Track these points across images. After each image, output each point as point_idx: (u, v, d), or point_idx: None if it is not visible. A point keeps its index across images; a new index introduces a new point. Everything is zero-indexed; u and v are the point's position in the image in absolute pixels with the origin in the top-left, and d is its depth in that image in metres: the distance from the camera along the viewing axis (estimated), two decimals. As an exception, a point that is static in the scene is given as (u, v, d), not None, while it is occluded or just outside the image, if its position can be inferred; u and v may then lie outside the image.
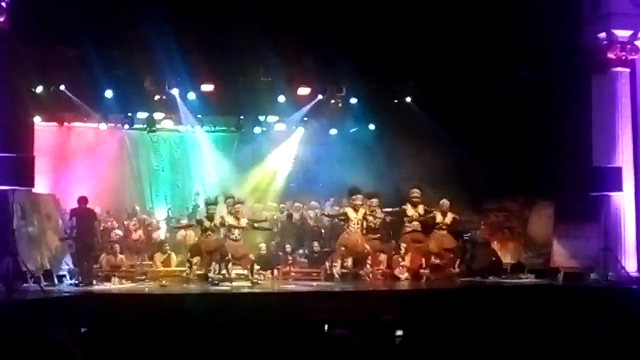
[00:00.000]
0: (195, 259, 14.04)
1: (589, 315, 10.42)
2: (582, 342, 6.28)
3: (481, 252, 15.50)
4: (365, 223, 14.54)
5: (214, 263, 13.98)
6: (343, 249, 14.44)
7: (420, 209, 14.86)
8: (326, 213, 16.43)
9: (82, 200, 13.89)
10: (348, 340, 4.47)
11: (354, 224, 14.42)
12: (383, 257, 14.98)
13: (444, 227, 14.78)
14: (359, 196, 14.59)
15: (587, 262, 13.98)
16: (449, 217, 14.81)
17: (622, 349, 6.00)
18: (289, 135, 19.19)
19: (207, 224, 14.04)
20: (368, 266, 14.54)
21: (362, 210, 14.49)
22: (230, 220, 14.05)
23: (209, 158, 19.05)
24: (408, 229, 14.86)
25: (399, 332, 7.49)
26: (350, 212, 14.51)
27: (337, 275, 14.23)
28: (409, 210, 14.82)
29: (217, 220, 14.05)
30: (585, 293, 12.49)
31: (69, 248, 14.29)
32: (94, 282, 13.49)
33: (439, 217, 14.77)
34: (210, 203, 14.65)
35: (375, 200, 14.84)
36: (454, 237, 15.07)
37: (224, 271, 13.89)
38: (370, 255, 14.54)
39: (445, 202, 14.80)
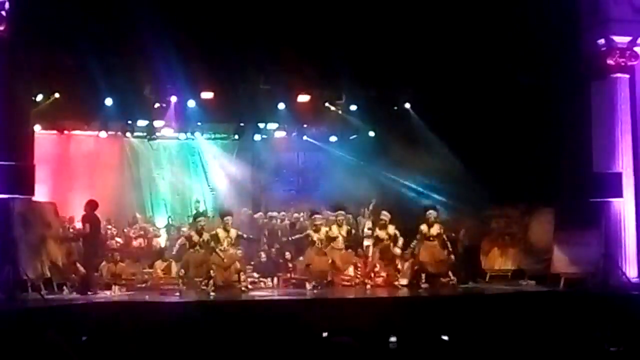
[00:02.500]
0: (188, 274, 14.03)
1: (589, 321, 10.41)
2: (583, 348, 6.28)
3: (466, 256, 15.47)
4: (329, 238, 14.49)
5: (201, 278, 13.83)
6: (310, 266, 14.44)
7: (391, 229, 14.70)
8: (290, 239, 15.90)
9: (93, 206, 13.91)
10: (350, 347, 4.47)
11: (318, 244, 14.43)
12: (350, 267, 15.06)
13: (431, 238, 14.52)
14: (318, 217, 14.71)
15: (587, 268, 13.95)
16: (435, 228, 14.51)
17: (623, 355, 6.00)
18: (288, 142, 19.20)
19: (195, 238, 13.97)
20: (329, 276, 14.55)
21: (323, 230, 14.51)
22: (220, 232, 13.93)
23: (209, 166, 19.09)
24: (379, 245, 14.80)
25: (393, 339, 7.49)
26: (311, 233, 14.54)
27: (308, 287, 14.26)
28: (381, 234, 14.74)
29: (205, 237, 13.90)
30: (586, 299, 12.45)
31: (70, 256, 14.30)
32: (95, 290, 13.48)
33: (424, 229, 14.51)
34: (199, 215, 14.59)
35: (341, 212, 14.79)
36: (446, 247, 14.82)
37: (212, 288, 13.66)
38: (334, 267, 14.58)
39: (432, 212, 14.60)
